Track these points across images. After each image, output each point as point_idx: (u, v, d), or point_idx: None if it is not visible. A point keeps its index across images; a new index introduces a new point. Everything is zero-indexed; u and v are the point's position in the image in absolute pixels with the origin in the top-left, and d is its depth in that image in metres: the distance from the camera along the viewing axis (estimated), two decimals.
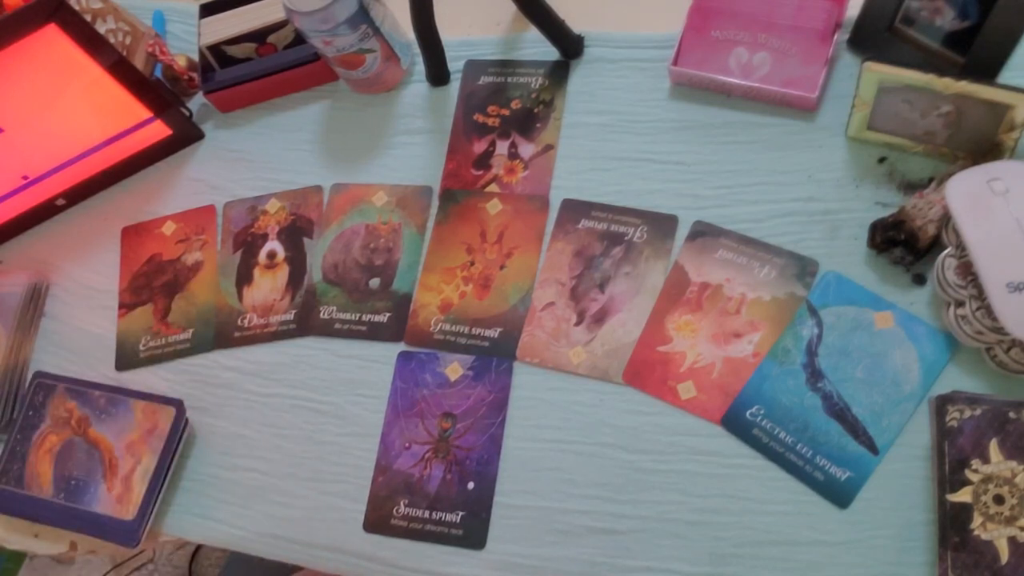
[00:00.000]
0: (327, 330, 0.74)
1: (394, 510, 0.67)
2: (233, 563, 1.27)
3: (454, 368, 0.70)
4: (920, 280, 0.63)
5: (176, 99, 0.85)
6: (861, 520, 0.59)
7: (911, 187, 0.66)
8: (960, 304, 0.59)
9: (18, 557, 1.49)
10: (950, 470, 0.56)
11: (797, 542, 0.59)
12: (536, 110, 0.78)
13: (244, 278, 0.79)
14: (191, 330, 0.78)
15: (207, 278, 0.80)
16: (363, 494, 0.68)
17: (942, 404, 0.57)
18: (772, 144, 0.71)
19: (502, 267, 0.73)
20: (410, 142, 0.81)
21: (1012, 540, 0.53)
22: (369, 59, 0.78)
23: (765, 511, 0.60)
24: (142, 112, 0.80)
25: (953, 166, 0.64)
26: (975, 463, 0.55)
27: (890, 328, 0.62)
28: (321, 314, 0.75)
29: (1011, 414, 0.56)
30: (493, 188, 0.76)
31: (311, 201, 0.81)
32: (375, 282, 0.75)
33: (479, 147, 0.78)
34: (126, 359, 0.78)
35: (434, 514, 0.66)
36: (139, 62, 0.81)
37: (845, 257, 0.65)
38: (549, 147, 0.76)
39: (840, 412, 0.61)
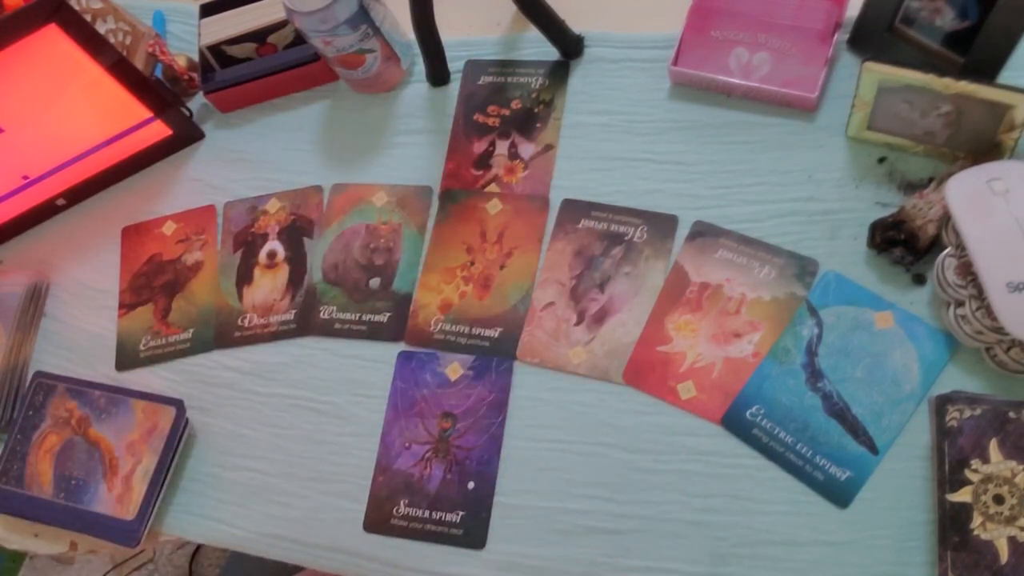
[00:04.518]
0: (327, 330, 0.74)
1: (394, 510, 0.67)
2: (233, 563, 1.27)
3: (454, 368, 0.70)
4: (920, 280, 0.63)
5: (176, 99, 0.85)
6: (861, 520, 0.59)
7: (911, 187, 0.66)
8: (960, 304, 0.59)
9: (18, 557, 1.49)
10: (950, 470, 0.56)
11: (797, 542, 0.59)
12: (536, 110, 0.78)
13: (244, 278, 0.79)
14: (191, 330, 0.78)
15: (207, 278, 0.80)
16: (363, 494, 0.68)
17: (942, 404, 0.57)
18: (772, 144, 0.71)
19: (502, 267, 0.73)
20: (410, 142, 0.81)
21: (1012, 540, 0.53)
22: (369, 59, 0.78)
23: (765, 511, 0.60)
24: (142, 112, 0.80)
25: (953, 166, 0.64)
26: (975, 463, 0.55)
27: (890, 328, 0.62)
28: (321, 314, 0.75)
29: (1011, 414, 0.56)
30: (493, 188, 0.76)
31: (311, 201, 0.81)
32: (375, 282, 0.75)
33: (479, 147, 0.78)
34: (126, 359, 0.78)
35: (434, 514, 0.66)
36: (139, 62, 0.81)
37: (845, 257, 0.65)
38: (549, 147, 0.76)
39: (840, 412, 0.61)
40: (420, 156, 0.80)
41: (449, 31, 0.79)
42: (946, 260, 0.60)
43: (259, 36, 0.84)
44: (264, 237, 0.80)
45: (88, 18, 0.78)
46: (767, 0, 0.71)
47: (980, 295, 0.57)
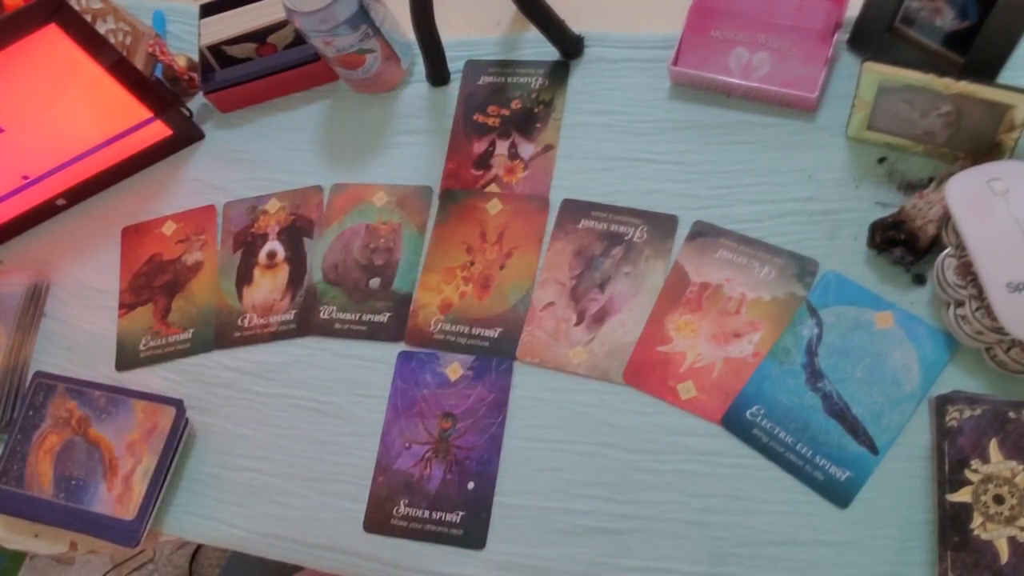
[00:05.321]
0: (327, 330, 0.74)
1: (394, 510, 0.67)
2: (233, 563, 1.27)
3: (454, 368, 0.70)
4: (920, 280, 0.63)
5: (176, 99, 0.85)
6: (861, 520, 0.59)
7: (911, 187, 0.66)
8: (960, 304, 0.59)
9: (18, 557, 1.49)
10: (950, 470, 0.56)
11: (797, 542, 0.59)
12: (536, 110, 0.78)
13: (244, 278, 0.79)
14: (191, 330, 0.78)
15: (207, 278, 0.80)
16: (363, 494, 0.68)
17: (942, 404, 0.57)
18: (772, 144, 0.71)
19: (502, 267, 0.73)
20: (410, 142, 0.81)
21: (1012, 540, 0.53)
22: (369, 59, 0.78)
23: (765, 511, 0.60)
24: (142, 112, 0.80)
25: (953, 166, 0.64)
26: (975, 463, 0.55)
27: (890, 328, 0.62)
28: (321, 314, 0.75)
29: (1011, 414, 0.56)
30: (493, 188, 0.76)
31: (311, 201, 0.81)
32: (375, 282, 0.75)
33: (479, 147, 0.78)
34: (126, 359, 0.78)
35: (434, 514, 0.66)
36: (139, 62, 0.81)
37: (845, 257, 0.65)
38: (549, 147, 0.76)
39: (840, 412, 0.61)
40: (420, 156, 0.80)
41: (449, 31, 0.79)
42: (946, 260, 0.60)
43: (259, 36, 0.84)
44: (264, 237, 0.80)
45: (88, 18, 0.78)
46: (767, 0, 0.71)
47: (980, 295, 0.57)
